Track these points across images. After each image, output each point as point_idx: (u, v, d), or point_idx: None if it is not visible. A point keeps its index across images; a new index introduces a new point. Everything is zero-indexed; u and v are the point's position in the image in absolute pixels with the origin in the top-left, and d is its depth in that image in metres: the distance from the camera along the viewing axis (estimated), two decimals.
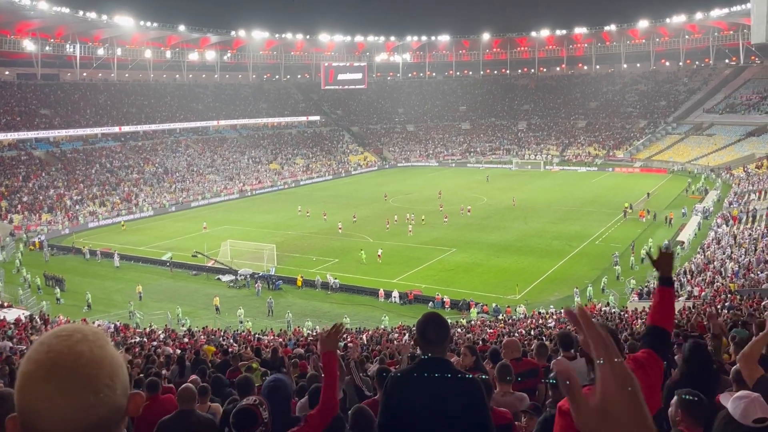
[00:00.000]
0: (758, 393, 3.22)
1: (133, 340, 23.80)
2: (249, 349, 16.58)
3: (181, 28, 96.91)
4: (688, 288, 33.01)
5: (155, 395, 6.82)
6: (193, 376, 9.45)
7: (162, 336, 26.19)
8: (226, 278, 41.94)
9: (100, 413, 1.28)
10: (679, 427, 3.59)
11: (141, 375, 10.30)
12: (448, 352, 3.43)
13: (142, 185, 71.23)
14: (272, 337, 26.18)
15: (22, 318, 29.43)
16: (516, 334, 20.51)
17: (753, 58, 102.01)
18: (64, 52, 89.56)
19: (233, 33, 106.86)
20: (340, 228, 52.79)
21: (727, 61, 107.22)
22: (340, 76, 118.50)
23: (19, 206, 58.75)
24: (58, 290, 39.37)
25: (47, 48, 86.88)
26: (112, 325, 30.20)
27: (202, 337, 26.03)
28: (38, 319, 29.62)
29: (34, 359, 1.29)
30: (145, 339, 24.75)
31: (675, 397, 3.70)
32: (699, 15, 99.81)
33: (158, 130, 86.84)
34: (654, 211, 55.75)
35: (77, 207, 62.02)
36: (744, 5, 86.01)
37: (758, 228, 43.52)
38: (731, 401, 3.08)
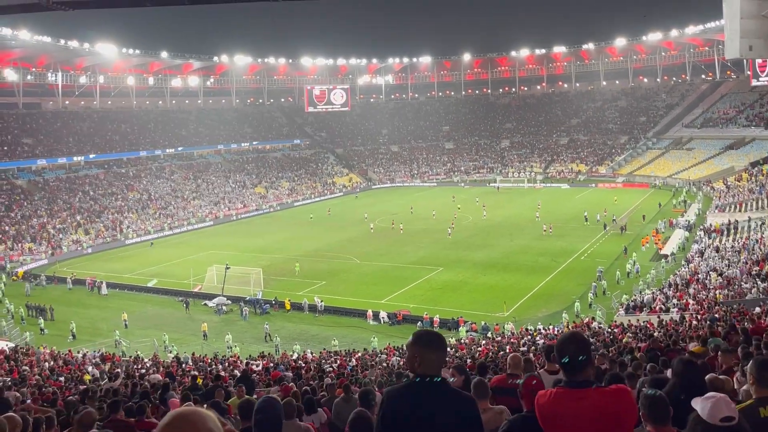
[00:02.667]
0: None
1: (118, 369, 23.48)
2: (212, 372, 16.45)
3: (164, 54, 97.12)
4: (674, 300, 33.25)
5: (141, 419, 6.80)
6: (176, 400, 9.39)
7: (149, 364, 25.87)
8: (212, 303, 41.60)
9: None
10: (647, 428, 3.64)
11: (130, 403, 10.20)
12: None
13: (127, 212, 70.77)
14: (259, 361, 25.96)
15: (6, 349, 28.92)
16: (502, 352, 20.53)
17: (728, 73, 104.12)
18: (45, 81, 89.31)
19: (216, 58, 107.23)
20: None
21: (703, 76, 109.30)
22: (323, 100, 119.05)
23: (1, 236, 58.06)
24: (42, 320, 38.81)
25: (29, 77, 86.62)
26: (98, 354, 29.78)
27: (190, 363, 25.74)
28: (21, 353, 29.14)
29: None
30: (133, 365, 24.43)
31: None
32: (674, 32, 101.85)
33: (142, 156, 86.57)
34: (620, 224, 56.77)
35: (60, 236, 61.41)
36: (718, 22, 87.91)
37: (740, 239, 44.09)
38: (699, 402, 3.16)
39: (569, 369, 3.13)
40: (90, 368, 24.55)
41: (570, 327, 30.12)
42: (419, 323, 35.65)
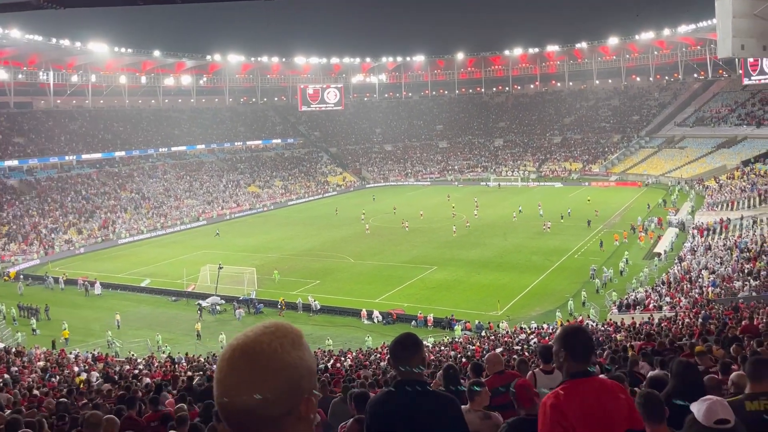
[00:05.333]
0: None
1: (113, 369, 23.37)
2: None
3: (156, 53, 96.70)
4: (667, 299, 33.42)
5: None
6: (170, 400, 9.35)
7: (142, 365, 25.76)
8: (206, 303, 41.46)
9: (262, 396, 1.46)
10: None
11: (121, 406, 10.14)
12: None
13: (119, 212, 70.47)
14: None
15: None
16: (500, 349, 20.56)
17: (720, 72, 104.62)
18: (37, 80, 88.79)
19: (209, 57, 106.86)
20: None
21: (695, 75, 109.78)
22: (317, 98, 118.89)
23: None
24: (34, 321, 38.59)
25: (20, 76, 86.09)
26: (90, 355, 29.65)
27: (184, 363, 25.66)
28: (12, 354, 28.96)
29: (229, 343, 1.55)
30: (127, 366, 24.32)
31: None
32: (667, 31, 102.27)
33: (135, 155, 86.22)
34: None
35: (53, 236, 61.08)
36: (710, 21, 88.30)
37: (732, 238, 44.33)
38: (695, 404, 3.17)
39: (578, 357, 3.15)
40: (76, 368, 24.41)
41: (564, 325, 30.27)
42: (413, 322, 35.68)
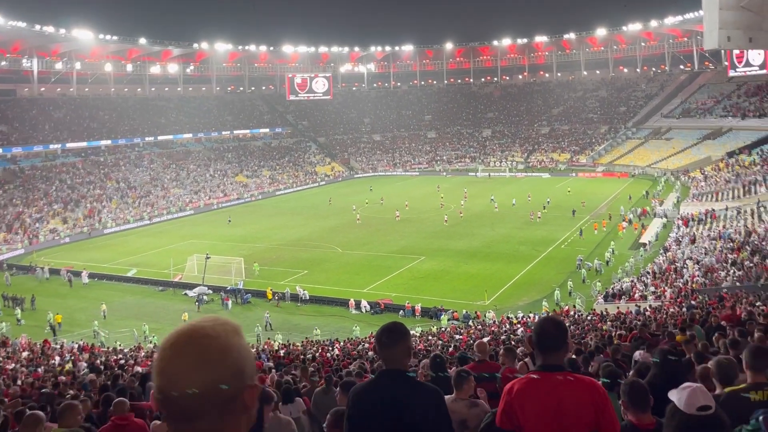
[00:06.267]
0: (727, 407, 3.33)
1: (99, 359, 23.24)
2: None
3: (142, 41, 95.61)
4: (652, 288, 33.74)
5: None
6: None
7: (129, 355, 25.63)
8: (193, 293, 41.28)
9: (204, 380, 1.42)
10: (627, 417, 3.68)
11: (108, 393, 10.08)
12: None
13: (105, 201, 69.85)
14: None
15: None
16: (486, 339, 20.65)
17: (707, 63, 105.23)
18: (20, 67, 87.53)
19: (196, 45, 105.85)
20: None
21: (682, 67, 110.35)
22: (305, 88, 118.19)
23: None
24: (19, 311, 38.26)
25: (3, 63, 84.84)
26: (76, 345, 29.46)
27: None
28: None
29: (169, 336, 1.51)
30: (114, 356, 24.20)
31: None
32: (654, 23, 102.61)
33: (121, 144, 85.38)
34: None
35: (37, 225, 60.47)
36: (696, 12, 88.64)
37: (716, 228, 44.77)
38: (676, 392, 3.17)
39: (545, 349, 3.13)
40: (58, 359, 24.26)
41: (549, 314, 30.46)
42: (401, 312, 35.76)
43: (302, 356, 20.78)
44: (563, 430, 2.91)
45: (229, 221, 64.09)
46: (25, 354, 25.61)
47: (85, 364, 21.69)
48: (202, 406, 1.43)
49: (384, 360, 3.33)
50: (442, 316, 34.53)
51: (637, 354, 8.22)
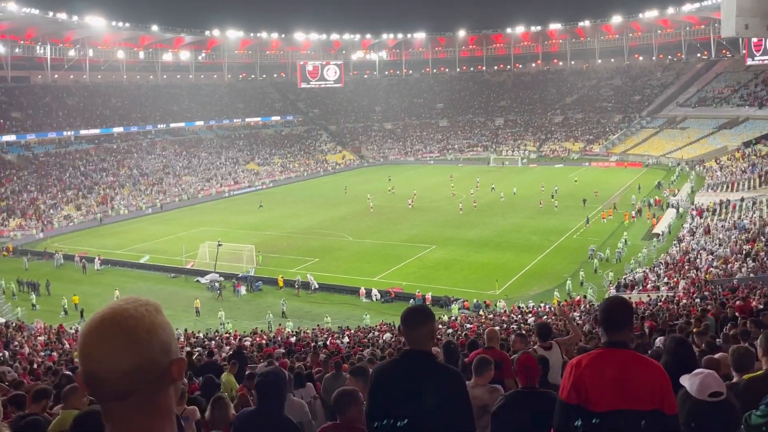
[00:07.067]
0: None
1: None
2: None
3: (155, 28, 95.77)
4: (665, 279, 33.54)
5: None
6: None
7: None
8: (205, 280, 41.57)
9: (135, 360, 1.46)
10: None
11: None
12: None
13: (118, 188, 70.35)
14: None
15: None
16: (497, 327, 20.64)
17: (724, 51, 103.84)
18: (34, 54, 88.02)
19: (207, 33, 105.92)
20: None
21: (698, 55, 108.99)
22: (317, 75, 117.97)
23: None
24: (34, 296, 38.74)
25: (17, 50, 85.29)
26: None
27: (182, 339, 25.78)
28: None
29: (92, 318, 1.52)
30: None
31: None
32: (671, 10, 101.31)
33: (133, 131, 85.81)
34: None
35: (51, 211, 61.04)
36: (714, 0, 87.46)
37: (731, 219, 44.36)
38: (688, 378, 3.18)
39: (611, 327, 3.16)
40: (67, 345, 24.53)
41: (561, 305, 30.33)
42: (411, 300, 35.78)
43: (313, 343, 20.91)
44: (629, 405, 2.94)
45: (261, 206, 64.58)
46: (41, 338, 25.94)
47: None
48: (133, 384, 1.47)
49: (408, 341, 3.36)
50: (453, 305, 34.54)
51: (659, 341, 8.23)
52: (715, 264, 33.91)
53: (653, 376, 3.00)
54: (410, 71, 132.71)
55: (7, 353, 20.24)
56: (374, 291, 37.57)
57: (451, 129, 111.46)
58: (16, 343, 23.73)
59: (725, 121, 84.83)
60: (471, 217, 56.23)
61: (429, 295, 36.00)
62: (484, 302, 34.61)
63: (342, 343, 22.08)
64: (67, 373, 10.36)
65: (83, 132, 79.76)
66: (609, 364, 3.03)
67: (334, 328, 29.90)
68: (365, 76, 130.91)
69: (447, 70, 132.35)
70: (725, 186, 58.09)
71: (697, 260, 35.83)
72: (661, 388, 2.99)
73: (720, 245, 37.93)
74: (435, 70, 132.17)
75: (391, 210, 60.90)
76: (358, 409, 4.24)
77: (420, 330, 3.32)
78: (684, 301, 22.99)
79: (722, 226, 42.81)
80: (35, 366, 16.24)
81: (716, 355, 5.72)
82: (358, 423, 4.19)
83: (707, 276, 31.25)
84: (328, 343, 21.63)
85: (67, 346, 23.83)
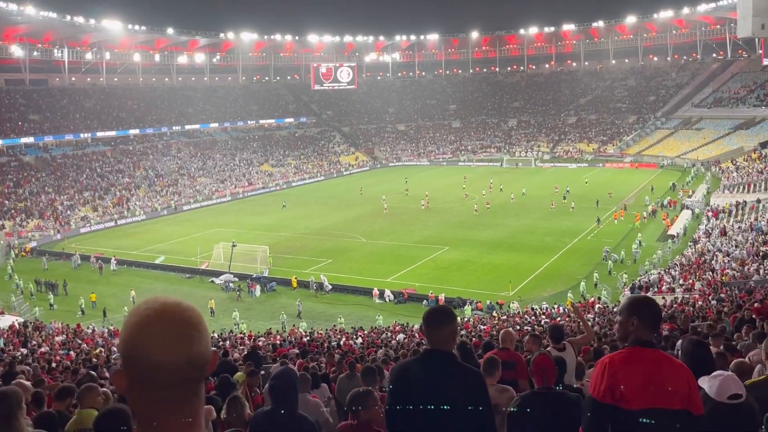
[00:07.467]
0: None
1: None
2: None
3: (170, 30, 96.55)
4: (681, 281, 33.28)
5: None
6: None
7: None
8: (219, 281, 41.85)
9: (194, 351, 1.54)
10: None
11: None
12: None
13: (134, 189, 70.99)
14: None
15: (17, 324, 29.32)
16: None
17: (740, 52, 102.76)
18: (52, 57, 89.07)
19: (222, 35, 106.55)
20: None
21: (714, 55, 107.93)
22: (330, 77, 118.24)
23: (13, 211, 58.44)
24: (51, 296, 39.22)
25: (35, 53, 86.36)
26: (106, 330, 30.14)
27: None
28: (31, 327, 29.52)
29: (143, 310, 1.56)
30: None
31: None
32: (686, 10, 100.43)
33: (149, 133, 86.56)
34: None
35: (68, 212, 61.74)
36: None
37: (748, 220, 43.90)
38: (707, 380, 3.19)
39: (648, 325, 3.18)
40: (85, 346, 24.82)
41: (575, 304, 30.29)
42: (424, 302, 35.81)
43: (326, 344, 21.01)
44: (661, 404, 2.97)
45: (284, 206, 65.07)
46: (58, 338, 26.28)
47: (115, 349, 22.20)
48: (191, 373, 1.55)
49: (430, 340, 3.42)
50: (466, 306, 34.52)
51: (680, 343, 8.23)
52: (731, 266, 33.59)
53: (683, 376, 3.04)
54: (423, 73, 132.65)
55: (25, 351, 20.58)
56: (387, 292, 37.64)
57: (464, 130, 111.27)
58: (35, 342, 24.09)
59: (741, 122, 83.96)
60: (484, 219, 56.13)
61: (442, 296, 35.99)
62: (497, 302, 34.54)
63: (355, 343, 22.17)
64: (91, 372, 10.52)
65: (100, 134, 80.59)
66: (642, 362, 3.06)
67: (348, 328, 30.00)
68: (378, 78, 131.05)
69: (460, 71, 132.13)
70: (741, 187, 57.49)
71: (713, 262, 35.51)
72: (690, 388, 3.03)
73: (736, 247, 37.56)
74: (448, 72, 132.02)
75: (405, 211, 60.93)
76: (373, 409, 4.31)
77: (442, 330, 3.38)
78: (700, 303, 22.83)
79: (738, 228, 42.38)
80: (53, 365, 16.49)
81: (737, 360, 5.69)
82: (373, 423, 4.26)
83: (723, 278, 30.98)
84: (341, 343, 21.73)
85: (85, 345, 24.13)
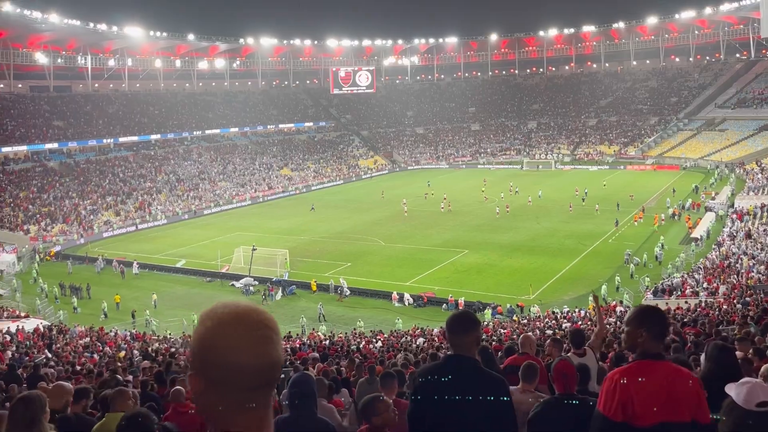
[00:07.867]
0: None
1: (152, 347, 24.02)
2: None
3: (190, 36, 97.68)
4: (705, 284, 32.78)
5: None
6: None
7: (180, 342, 26.40)
8: (239, 284, 42.12)
9: (275, 355, 1.54)
10: None
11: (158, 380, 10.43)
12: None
13: (155, 193, 71.81)
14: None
15: (41, 328, 29.77)
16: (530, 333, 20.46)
17: (764, 51, 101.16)
18: (75, 64, 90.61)
19: (242, 40, 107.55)
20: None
21: (737, 55, 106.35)
22: (349, 81, 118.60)
23: (38, 216, 59.45)
24: (75, 299, 39.78)
25: (59, 60, 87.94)
26: (128, 333, 30.49)
27: None
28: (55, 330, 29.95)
29: (220, 314, 1.55)
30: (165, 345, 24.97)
31: None
32: (708, 10, 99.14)
33: (170, 138, 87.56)
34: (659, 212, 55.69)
35: (91, 217, 62.63)
36: None
37: None
38: (735, 387, 3.13)
39: (657, 337, 3.15)
40: (108, 349, 25.11)
41: (595, 309, 30.00)
42: (444, 305, 35.70)
43: (346, 347, 21.03)
44: (672, 417, 2.95)
45: (313, 209, 65.64)
46: (82, 341, 26.63)
47: (137, 352, 22.47)
48: (272, 375, 1.56)
49: (453, 346, 3.42)
50: (486, 310, 34.33)
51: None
52: (756, 269, 33.00)
53: (691, 386, 3.00)
54: (442, 76, 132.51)
55: (49, 354, 20.90)
56: (407, 295, 37.58)
57: (483, 133, 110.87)
58: (59, 345, 24.45)
59: (766, 123, 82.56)
60: (504, 222, 55.83)
61: (461, 300, 35.84)
62: (517, 304, 34.30)
63: (375, 347, 22.15)
64: (117, 377, 10.63)
65: (122, 139, 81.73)
66: (653, 376, 3.02)
67: (367, 332, 30.00)
68: (397, 82, 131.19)
69: (479, 74, 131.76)
70: (766, 189, 56.48)
71: (738, 265, 34.92)
72: (698, 397, 2.99)
73: (762, 250, 36.89)
74: (467, 75, 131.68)
75: (424, 214, 60.82)
76: (385, 414, 4.29)
77: (466, 337, 3.37)
78: (725, 307, 22.46)
79: (764, 231, 41.63)
80: (77, 368, 16.71)
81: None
82: (387, 428, 4.24)
83: (749, 281, 30.44)
84: (361, 347, 21.73)
85: (108, 349, 24.43)
